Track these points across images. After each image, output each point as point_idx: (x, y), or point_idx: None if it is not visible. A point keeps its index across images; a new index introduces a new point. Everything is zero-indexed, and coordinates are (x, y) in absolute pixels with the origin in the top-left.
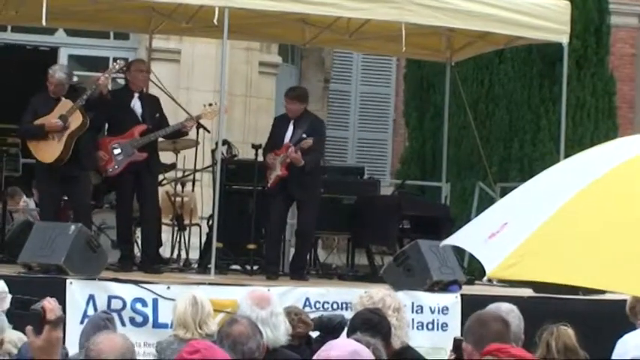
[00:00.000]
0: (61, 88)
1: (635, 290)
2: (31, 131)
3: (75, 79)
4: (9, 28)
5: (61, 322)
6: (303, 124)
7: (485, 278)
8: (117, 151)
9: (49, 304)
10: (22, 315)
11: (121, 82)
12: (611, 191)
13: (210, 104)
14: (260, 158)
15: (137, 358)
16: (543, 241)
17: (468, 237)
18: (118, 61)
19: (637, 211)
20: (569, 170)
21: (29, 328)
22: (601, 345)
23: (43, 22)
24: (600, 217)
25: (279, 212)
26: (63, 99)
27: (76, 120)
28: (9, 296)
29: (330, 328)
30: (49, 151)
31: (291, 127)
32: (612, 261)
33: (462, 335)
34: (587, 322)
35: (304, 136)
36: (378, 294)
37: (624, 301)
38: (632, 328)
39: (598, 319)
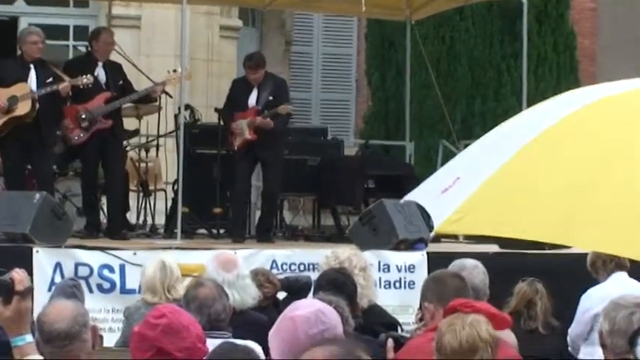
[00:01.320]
0: (36, 49)
1: (579, 243)
2: None
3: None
4: None
5: (29, 292)
6: (267, 87)
7: (431, 234)
8: (82, 119)
9: (18, 274)
10: None
11: (82, 49)
12: (562, 140)
13: (174, 70)
14: None
15: (94, 323)
16: (487, 194)
17: (424, 192)
18: (88, 76)
19: (586, 161)
20: (523, 122)
21: None
22: (566, 299)
23: None
24: (548, 167)
25: (244, 175)
26: (23, 83)
27: (24, 107)
28: None
29: (297, 289)
30: None
31: (255, 91)
32: (558, 213)
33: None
34: (552, 276)
35: (270, 98)
36: (343, 254)
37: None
38: (597, 282)
39: (563, 273)
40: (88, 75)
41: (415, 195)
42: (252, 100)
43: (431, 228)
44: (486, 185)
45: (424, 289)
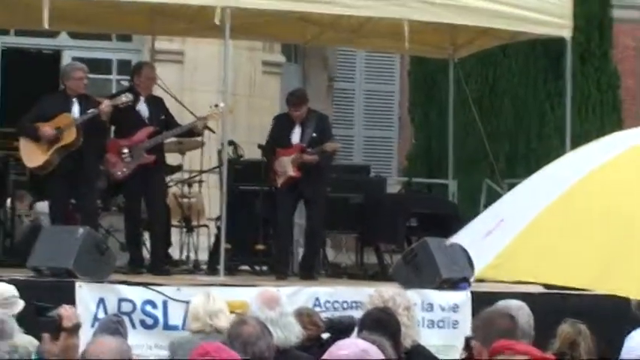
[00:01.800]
0: (82, 84)
1: (620, 290)
2: (25, 130)
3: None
4: (12, 31)
5: (77, 329)
6: (311, 124)
7: (472, 279)
8: (125, 155)
9: (66, 311)
10: (37, 321)
11: (125, 83)
12: (604, 185)
13: (217, 105)
14: None
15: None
16: (528, 239)
17: (467, 235)
18: (127, 94)
19: (628, 207)
20: (566, 165)
21: (46, 335)
22: (610, 341)
23: (45, 26)
24: (589, 213)
25: (287, 212)
26: (65, 114)
27: (69, 136)
28: (19, 301)
29: (341, 329)
30: (33, 157)
31: (298, 128)
32: (599, 260)
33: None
34: (596, 318)
35: (314, 135)
36: (387, 293)
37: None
38: None
39: (607, 314)
40: (127, 93)
41: (459, 238)
42: (295, 136)
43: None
44: (528, 229)
45: (473, 326)
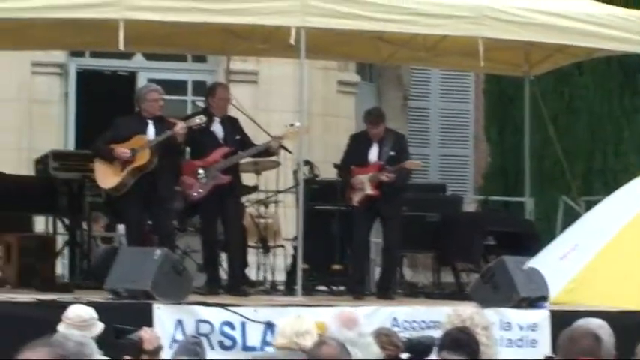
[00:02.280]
0: (157, 106)
1: None
2: (100, 151)
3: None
4: (87, 53)
5: (159, 351)
6: (388, 142)
7: (546, 303)
8: (201, 176)
9: (147, 333)
10: (116, 343)
11: (201, 104)
12: None
13: (292, 125)
14: None
15: None
16: (602, 264)
17: (544, 259)
18: (201, 117)
19: None
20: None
21: (127, 358)
22: None
23: (121, 47)
24: None
25: (363, 231)
26: (140, 135)
27: (143, 157)
28: (98, 323)
29: (420, 350)
30: (107, 178)
31: (375, 146)
32: None
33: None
34: None
35: (392, 153)
36: (465, 312)
37: None
38: None
39: None
40: (201, 116)
41: (535, 262)
42: (373, 155)
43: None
44: (602, 254)
45: (557, 345)
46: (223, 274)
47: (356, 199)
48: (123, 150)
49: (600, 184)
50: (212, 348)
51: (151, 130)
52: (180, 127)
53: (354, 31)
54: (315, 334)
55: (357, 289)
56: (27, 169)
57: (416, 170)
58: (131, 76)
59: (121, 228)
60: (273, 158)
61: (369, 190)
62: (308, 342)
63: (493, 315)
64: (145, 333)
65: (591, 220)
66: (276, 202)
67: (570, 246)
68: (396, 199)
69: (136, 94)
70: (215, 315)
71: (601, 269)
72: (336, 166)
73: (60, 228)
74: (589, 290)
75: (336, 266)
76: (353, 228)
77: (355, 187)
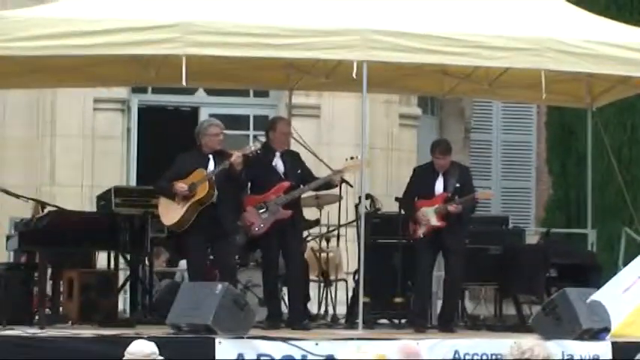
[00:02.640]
0: (217, 141)
1: None
2: (161, 189)
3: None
4: (149, 89)
5: None
6: (453, 174)
7: (608, 336)
8: (262, 210)
9: None
10: None
11: (263, 139)
12: None
13: (352, 158)
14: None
15: None
16: None
17: (608, 290)
18: (255, 143)
19: None
20: None
21: None
22: None
23: (184, 83)
24: None
25: (427, 264)
26: (200, 169)
27: (202, 190)
28: (160, 358)
29: None
30: (169, 214)
31: (441, 178)
32: None
33: None
34: None
35: (457, 185)
36: (526, 344)
37: None
38: None
39: None
40: (255, 142)
41: (599, 295)
42: (438, 186)
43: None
44: None
45: None
46: (284, 308)
47: (421, 231)
48: (181, 185)
49: None
50: None
51: (211, 164)
52: (235, 155)
53: (416, 64)
54: None
55: (418, 322)
56: (89, 205)
57: (478, 202)
58: (193, 112)
59: (183, 263)
60: (335, 192)
61: (435, 221)
62: None
63: (555, 347)
64: None
65: None
66: (338, 236)
67: (633, 279)
68: (461, 231)
69: (196, 129)
70: (276, 349)
71: None
72: (397, 199)
73: (122, 264)
74: None
75: (398, 299)
76: (416, 260)
77: (420, 220)
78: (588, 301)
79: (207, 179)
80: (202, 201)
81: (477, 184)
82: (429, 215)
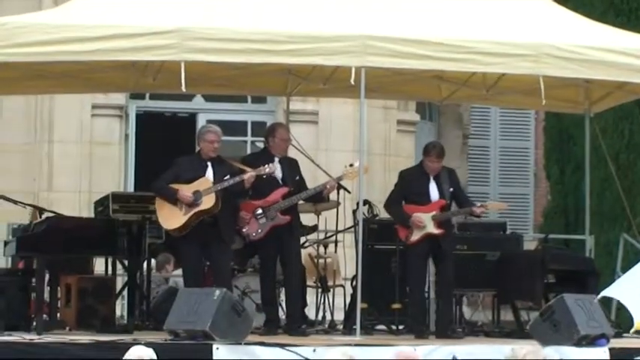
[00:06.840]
0: (213, 148)
1: None
2: (163, 191)
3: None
4: (147, 95)
5: None
6: (445, 179)
7: (632, 330)
8: (260, 215)
9: None
10: None
11: (260, 145)
12: None
13: (351, 164)
14: None
15: None
16: None
17: (623, 288)
18: (271, 165)
19: None
20: None
21: None
22: None
23: (183, 89)
24: None
25: (421, 269)
26: (205, 178)
27: (209, 201)
28: None
29: None
30: (170, 219)
31: (433, 182)
32: None
33: None
34: None
35: (451, 190)
36: (523, 350)
37: None
38: None
39: None
40: (271, 165)
41: (614, 291)
42: (434, 192)
43: (612, 323)
44: None
45: None
46: (282, 314)
47: (415, 237)
48: (186, 194)
49: None
50: None
51: (209, 171)
52: (249, 175)
53: (414, 70)
54: None
55: (416, 328)
56: (87, 211)
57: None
58: (191, 118)
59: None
60: (333, 198)
61: (433, 229)
62: None
63: (553, 353)
64: None
65: None
66: (335, 242)
67: None
68: (453, 236)
69: (197, 133)
70: (274, 355)
71: None
72: (385, 205)
73: (119, 269)
74: None
75: (396, 305)
76: (410, 266)
77: (417, 224)
78: (598, 298)
79: (215, 192)
80: (207, 212)
81: (474, 190)
82: (426, 222)
